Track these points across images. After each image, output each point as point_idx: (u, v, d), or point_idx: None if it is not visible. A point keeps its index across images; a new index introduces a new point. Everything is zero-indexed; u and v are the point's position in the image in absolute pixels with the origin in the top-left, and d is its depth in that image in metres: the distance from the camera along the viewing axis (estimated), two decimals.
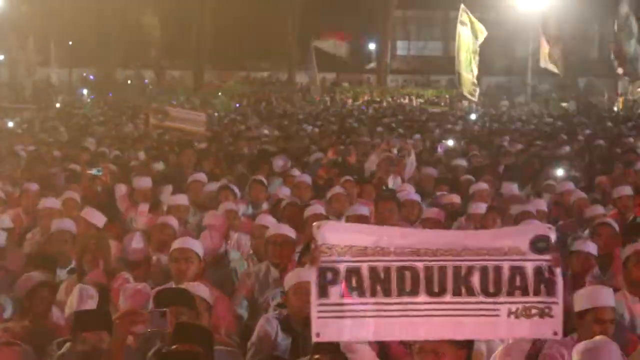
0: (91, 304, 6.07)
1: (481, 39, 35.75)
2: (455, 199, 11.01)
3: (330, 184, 11.65)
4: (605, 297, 6.07)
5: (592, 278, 7.57)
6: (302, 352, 5.98)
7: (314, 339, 4.50)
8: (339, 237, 4.57)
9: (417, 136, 20.56)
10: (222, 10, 52.56)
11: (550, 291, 4.57)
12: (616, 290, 6.71)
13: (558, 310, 4.55)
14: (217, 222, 8.93)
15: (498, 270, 4.57)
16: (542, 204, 10.35)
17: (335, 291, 4.51)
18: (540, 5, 41.23)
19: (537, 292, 4.57)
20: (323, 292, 4.51)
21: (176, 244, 7.18)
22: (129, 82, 55.09)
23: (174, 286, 6.70)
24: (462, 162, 14.41)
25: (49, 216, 9.11)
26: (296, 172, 12.66)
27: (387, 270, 4.53)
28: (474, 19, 36.23)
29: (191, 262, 6.98)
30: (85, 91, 47.81)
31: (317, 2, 53.46)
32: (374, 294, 4.52)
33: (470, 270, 4.56)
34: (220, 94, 48.56)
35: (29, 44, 44.39)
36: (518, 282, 4.56)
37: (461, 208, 10.76)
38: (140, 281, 7.08)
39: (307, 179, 11.66)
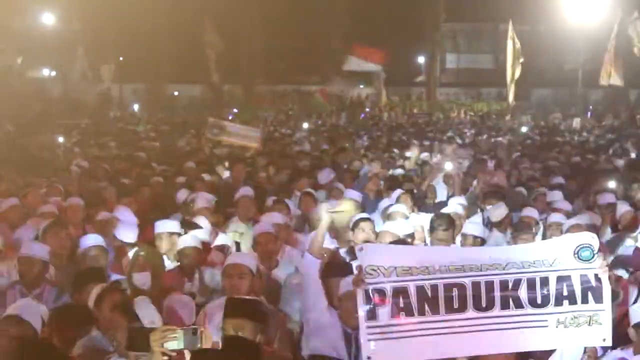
0: None
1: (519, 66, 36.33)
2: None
3: (380, 197, 11.61)
4: None
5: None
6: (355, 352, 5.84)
7: None
8: (383, 258, 4.60)
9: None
10: (273, 25, 52.77)
11: (598, 299, 4.60)
12: None
13: (606, 317, 4.57)
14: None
15: (545, 281, 4.60)
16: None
17: (383, 312, 4.54)
18: (591, 17, 40.84)
19: (584, 301, 4.59)
20: (371, 315, 4.54)
21: (230, 260, 7.18)
22: (175, 93, 55.35)
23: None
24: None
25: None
26: (340, 185, 12.57)
27: (434, 288, 4.56)
28: (516, 39, 36.73)
29: (244, 278, 6.93)
30: (136, 107, 48.06)
31: (365, 15, 53.46)
32: (422, 312, 4.55)
33: (517, 282, 4.59)
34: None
35: (79, 58, 44.81)
36: (565, 291, 4.60)
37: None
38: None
39: (355, 195, 11.36)
